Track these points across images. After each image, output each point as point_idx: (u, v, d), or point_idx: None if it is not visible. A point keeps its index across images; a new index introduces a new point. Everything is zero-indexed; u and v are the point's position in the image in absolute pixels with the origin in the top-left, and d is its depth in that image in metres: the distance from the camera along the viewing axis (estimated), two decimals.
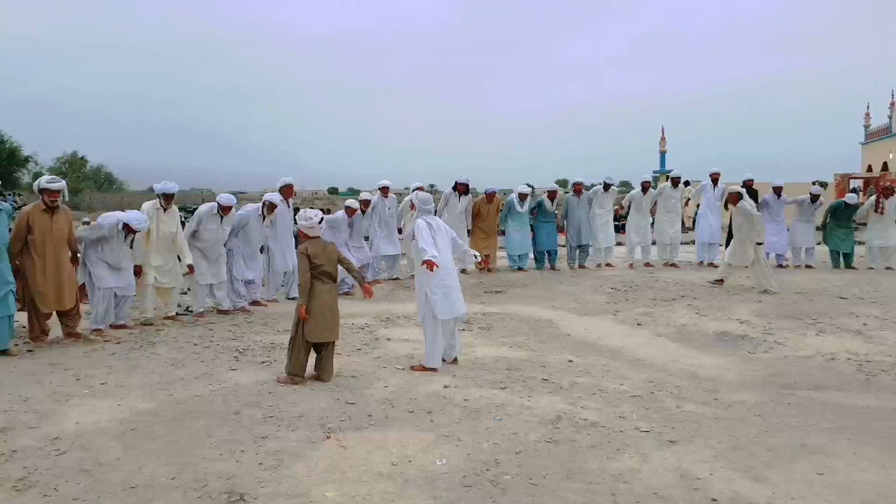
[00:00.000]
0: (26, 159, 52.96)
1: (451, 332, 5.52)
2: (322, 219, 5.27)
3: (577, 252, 11.77)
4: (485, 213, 11.40)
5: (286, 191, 8.88)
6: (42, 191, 6.07)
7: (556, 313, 7.87)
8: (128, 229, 6.62)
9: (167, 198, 7.17)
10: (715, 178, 12.02)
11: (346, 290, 9.03)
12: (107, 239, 6.61)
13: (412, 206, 5.65)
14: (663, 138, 33.47)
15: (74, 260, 6.53)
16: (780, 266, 11.46)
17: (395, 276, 10.74)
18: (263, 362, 5.61)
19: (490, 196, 11.53)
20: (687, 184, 12.74)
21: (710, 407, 4.59)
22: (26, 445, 3.78)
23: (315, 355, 5.15)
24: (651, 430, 4.11)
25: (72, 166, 57.69)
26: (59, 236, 6.20)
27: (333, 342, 5.19)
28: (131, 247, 6.86)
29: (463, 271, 10.74)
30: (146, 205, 7.25)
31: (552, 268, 11.57)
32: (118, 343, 6.30)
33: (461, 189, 11.07)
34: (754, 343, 6.41)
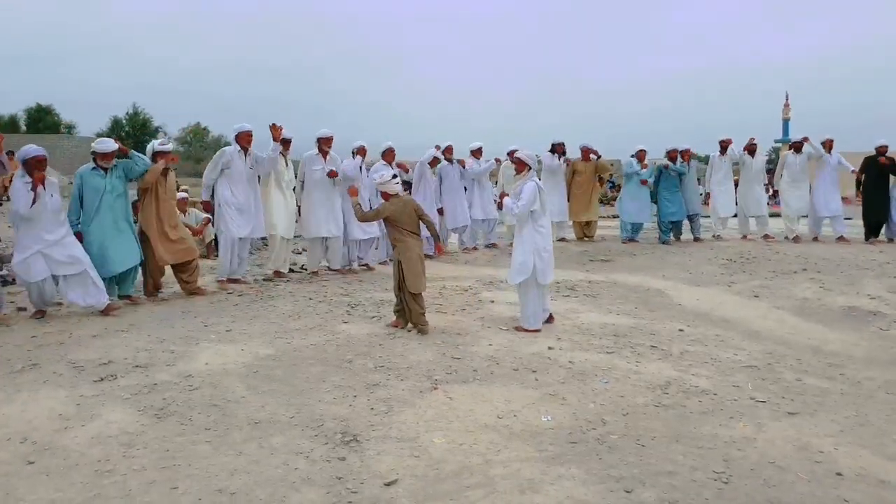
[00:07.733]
0: (156, 130, 57.43)
1: (544, 294, 5.59)
2: (395, 175, 5.60)
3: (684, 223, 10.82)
4: (580, 173, 10.33)
5: (387, 155, 8.63)
6: (155, 153, 6.62)
7: (665, 283, 7.59)
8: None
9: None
10: (829, 145, 10.66)
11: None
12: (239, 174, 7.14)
13: (520, 167, 5.54)
14: (787, 104, 30.96)
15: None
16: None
17: (492, 242, 10.40)
18: (373, 317, 5.84)
19: (586, 153, 10.41)
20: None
21: (835, 382, 4.31)
22: (165, 380, 4.17)
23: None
24: (768, 400, 3.92)
25: (195, 136, 61.42)
26: (171, 192, 6.84)
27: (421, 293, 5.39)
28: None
29: (562, 239, 10.52)
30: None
31: (677, 239, 10.54)
32: (240, 296, 6.75)
33: (559, 150, 10.35)
34: (888, 320, 5.90)
